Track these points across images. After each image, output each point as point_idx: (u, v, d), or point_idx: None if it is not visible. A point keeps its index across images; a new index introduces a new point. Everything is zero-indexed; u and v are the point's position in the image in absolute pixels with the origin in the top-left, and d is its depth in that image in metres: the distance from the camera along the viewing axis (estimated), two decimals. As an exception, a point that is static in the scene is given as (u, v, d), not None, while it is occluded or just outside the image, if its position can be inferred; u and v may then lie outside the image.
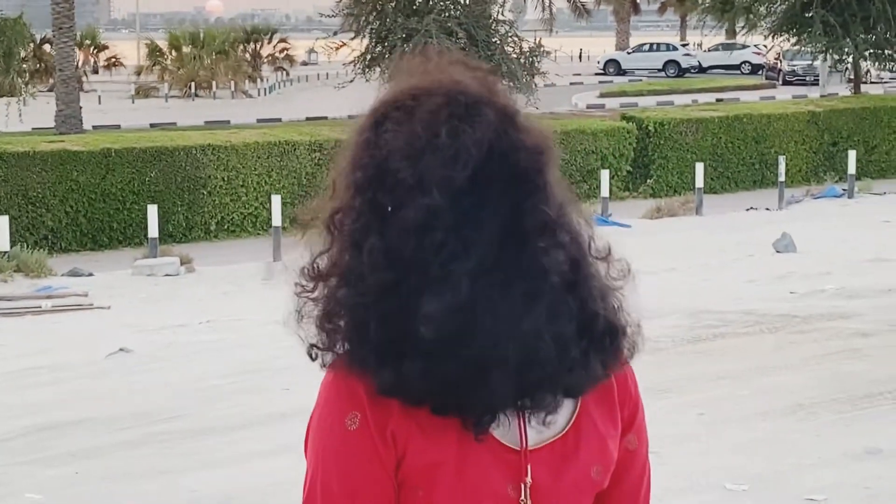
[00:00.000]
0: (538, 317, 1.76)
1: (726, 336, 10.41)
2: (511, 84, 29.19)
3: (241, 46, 61.99)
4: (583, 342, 1.81)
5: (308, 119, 40.30)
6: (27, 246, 19.37)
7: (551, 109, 35.91)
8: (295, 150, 25.83)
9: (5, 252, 17.74)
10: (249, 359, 10.27)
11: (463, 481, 1.81)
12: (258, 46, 63.94)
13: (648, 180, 29.15)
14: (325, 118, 40.11)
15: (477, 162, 1.76)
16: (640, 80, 62.31)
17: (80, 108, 33.74)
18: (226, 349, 10.96)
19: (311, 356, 1.88)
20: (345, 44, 31.07)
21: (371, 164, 1.79)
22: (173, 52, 60.19)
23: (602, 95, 50.43)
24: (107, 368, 10.30)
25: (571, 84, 59.30)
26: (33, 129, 32.56)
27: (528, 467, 1.83)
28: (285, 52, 66.03)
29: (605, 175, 24.01)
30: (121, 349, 11.02)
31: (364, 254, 1.77)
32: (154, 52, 61.54)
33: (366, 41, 30.32)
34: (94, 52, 67.99)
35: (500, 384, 1.76)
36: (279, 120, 40.69)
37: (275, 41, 65.43)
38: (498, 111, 1.81)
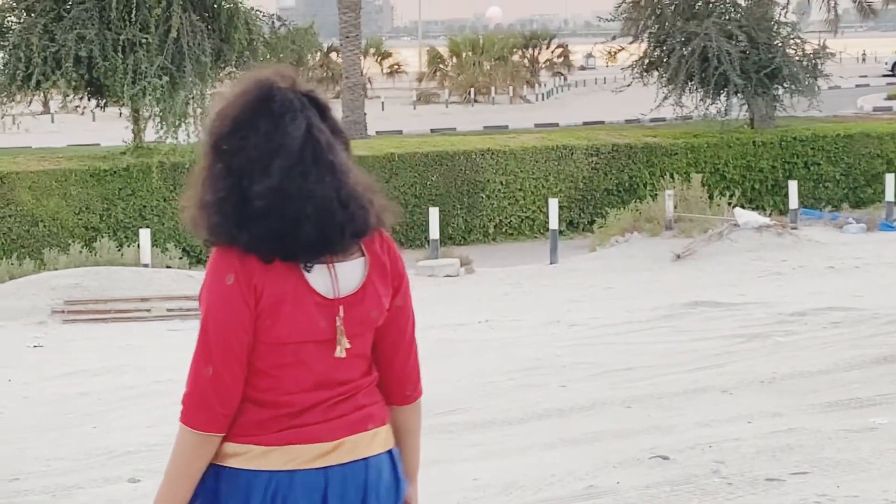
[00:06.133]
0: (326, 188, 2.89)
1: None
2: (793, 87, 28.70)
3: (520, 52, 62.64)
4: (353, 204, 2.92)
5: (585, 124, 40.48)
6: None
7: (835, 112, 35.05)
8: (572, 154, 26.05)
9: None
10: (528, 356, 10.52)
11: (296, 314, 2.92)
12: (536, 52, 64.48)
13: (937, 185, 28.17)
14: (602, 123, 40.17)
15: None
16: (930, 81, 60.02)
17: (365, 114, 34.81)
18: (505, 346, 11.25)
19: (206, 246, 2.98)
20: (623, 48, 31.13)
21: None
22: (454, 59, 61.35)
23: (889, 98, 48.75)
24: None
25: (857, 86, 57.64)
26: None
27: (340, 308, 2.95)
28: (563, 57, 66.39)
29: (889, 179, 23.34)
30: (405, 345, 11.43)
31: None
32: (435, 58, 62.86)
33: (644, 45, 30.28)
34: (379, 59, 69.93)
35: (311, 229, 2.87)
36: (556, 125, 40.98)
37: (552, 46, 65.86)
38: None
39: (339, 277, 2.96)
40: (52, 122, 46.18)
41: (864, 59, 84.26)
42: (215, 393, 2.92)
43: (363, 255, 3.00)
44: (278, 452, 2.95)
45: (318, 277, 2.94)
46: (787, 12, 30.81)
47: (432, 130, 40.72)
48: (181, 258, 20.06)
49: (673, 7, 29.55)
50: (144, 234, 18.65)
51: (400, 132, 39.82)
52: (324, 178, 2.91)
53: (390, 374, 3.13)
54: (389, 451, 3.09)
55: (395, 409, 3.16)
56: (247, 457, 2.96)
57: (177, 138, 24.44)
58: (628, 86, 30.08)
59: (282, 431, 2.96)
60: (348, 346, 2.97)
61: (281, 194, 2.88)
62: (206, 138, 3.01)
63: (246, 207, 2.89)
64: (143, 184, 23.86)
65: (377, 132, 37.40)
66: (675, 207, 20.25)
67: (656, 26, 29.85)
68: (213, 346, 2.92)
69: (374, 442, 3.05)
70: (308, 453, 2.96)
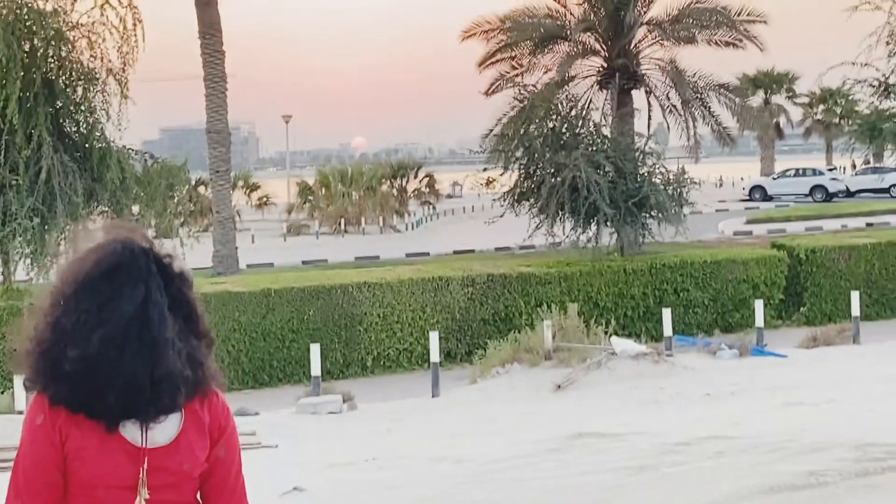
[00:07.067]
0: (140, 365, 2.99)
1: (896, 469, 10.30)
2: (660, 215, 29.40)
3: (388, 182, 63.27)
4: (165, 384, 3.01)
5: (455, 252, 40.87)
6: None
7: (698, 237, 35.90)
8: (448, 285, 26.26)
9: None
10: (420, 495, 10.49)
11: (101, 459, 3.03)
12: (404, 181, 65.20)
13: (802, 308, 28.93)
14: (472, 251, 40.63)
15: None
16: (787, 205, 61.91)
17: (236, 247, 34.73)
18: (395, 487, 11.21)
19: (25, 387, 3.15)
20: (494, 180, 31.66)
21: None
22: (323, 190, 61.69)
23: (749, 222, 50.16)
24: (283, 508, 10.61)
25: (717, 211, 59.18)
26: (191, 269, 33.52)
27: (146, 458, 3.06)
28: (430, 186, 67.22)
29: (759, 305, 23.93)
30: (294, 488, 11.35)
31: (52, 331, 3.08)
32: (304, 190, 63.13)
33: (514, 175, 30.80)
34: (248, 192, 70.02)
35: (114, 401, 2.98)
36: (427, 254, 41.30)
37: (420, 175, 66.66)
38: None
39: (150, 430, 3.08)
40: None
41: (721, 184, 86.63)
42: None
43: (178, 410, 3.11)
44: None
45: (127, 427, 3.06)
46: (650, 142, 31.70)
47: (304, 262, 40.74)
48: (55, 401, 19.62)
49: (541, 139, 30.20)
50: (18, 380, 18.26)
51: (271, 265, 39.77)
52: (141, 354, 3.00)
53: None
54: None
55: None
56: None
57: (49, 279, 24.08)
58: (501, 216, 30.54)
59: None
60: (147, 496, 3.07)
61: (92, 364, 2.99)
62: (53, 284, 3.16)
63: (59, 366, 3.01)
64: (14, 327, 23.35)
65: (248, 265, 37.30)
66: (554, 337, 20.49)
67: (525, 158, 30.45)
68: (22, 483, 3.06)
69: None
70: None
